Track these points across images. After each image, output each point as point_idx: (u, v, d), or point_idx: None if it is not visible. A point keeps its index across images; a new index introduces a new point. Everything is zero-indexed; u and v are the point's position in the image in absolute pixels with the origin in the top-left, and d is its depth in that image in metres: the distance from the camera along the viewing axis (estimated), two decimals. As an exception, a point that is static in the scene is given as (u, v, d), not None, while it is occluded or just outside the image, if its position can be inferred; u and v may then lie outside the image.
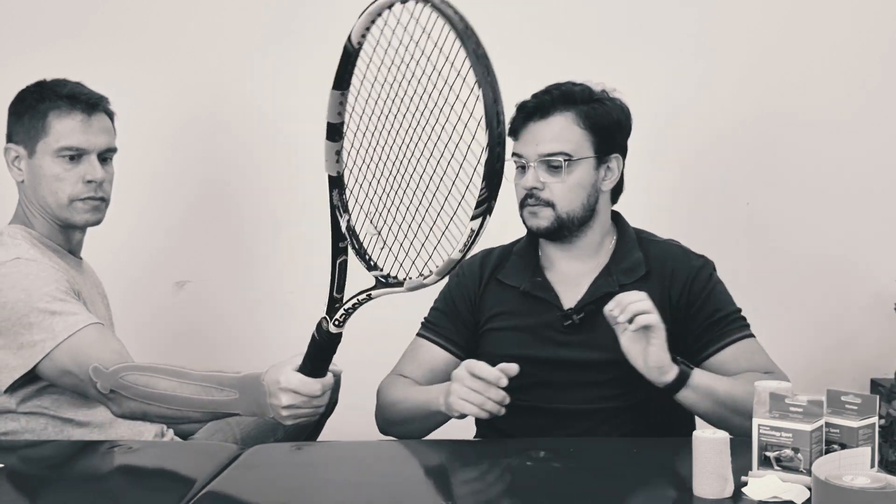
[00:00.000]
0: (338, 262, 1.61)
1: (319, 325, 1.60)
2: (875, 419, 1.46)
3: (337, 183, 1.60)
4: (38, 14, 2.84)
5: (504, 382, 1.66)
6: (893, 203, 2.78)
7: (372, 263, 1.57)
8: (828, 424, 1.45)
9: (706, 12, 2.77)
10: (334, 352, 1.62)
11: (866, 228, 2.78)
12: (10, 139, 1.99)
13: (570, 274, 1.96)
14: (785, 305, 2.80)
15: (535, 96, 1.92)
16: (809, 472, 1.34)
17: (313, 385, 1.61)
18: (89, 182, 1.95)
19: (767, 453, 1.44)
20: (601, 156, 1.92)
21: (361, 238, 1.59)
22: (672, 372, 1.71)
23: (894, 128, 2.77)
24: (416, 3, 1.38)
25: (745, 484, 1.42)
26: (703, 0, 2.78)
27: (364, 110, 1.53)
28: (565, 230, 1.91)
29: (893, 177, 2.78)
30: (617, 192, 2.00)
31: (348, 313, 1.57)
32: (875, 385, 2.70)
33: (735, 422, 1.71)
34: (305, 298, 2.85)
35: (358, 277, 1.62)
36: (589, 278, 1.94)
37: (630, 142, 2.68)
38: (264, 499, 1.52)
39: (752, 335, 1.93)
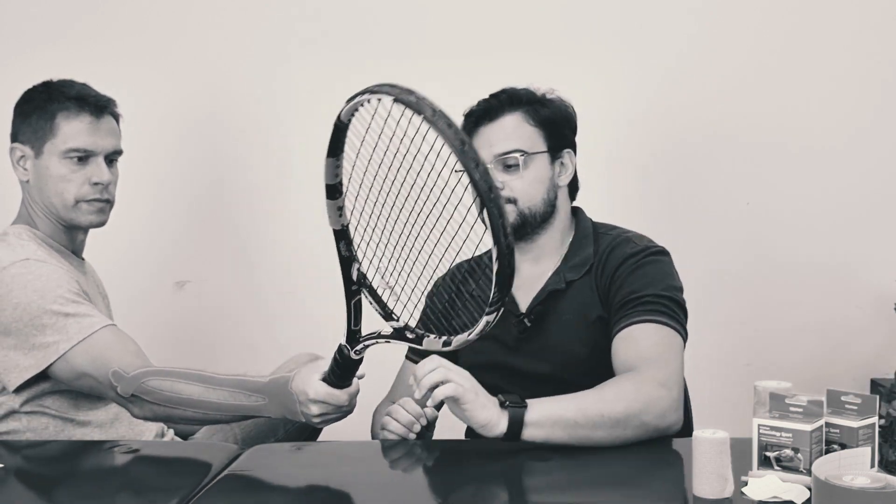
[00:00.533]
0: (352, 302, 1.64)
1: (340, 350, 1.62)
2: (875, 419, 1.46)
3: (343, 235, 1.65)
4: (39, 14, 2.84)
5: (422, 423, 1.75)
6: (893, 203, 2.78)
7: (388, 312, 1.61)
8: (828, 424, 1.45)
9: (706, 11, 2.77)
10: (357, 368, 1.65)
11: (866, 228, 2.78)
12: (15, 138, 1.99)
13: (530, 277, 1.95)
14: (785, 305, 2.80)
15: (481, 102, 1.95)
16: (809, 472, 1.34)
17: (340, 396, 1.64)
18: (96, 184, 1.96)
19: (767, 453, 1.44)
20: (554, 151, 1.94)
21: (375, 287, 1.64)
22: (502, 423, 1.58)
23: (894, 128, 2.77)
24: (392, 100, 1.43)
25: (745, 484, 1.42)
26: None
27: (363, 171, 1.61)
28: (528, 227, 1.92)
29: (893, 177, 2.78)
30: (574, 189, 2.01)
31: (366, 347, 1.61)
32: (875, 385, 2.70)
33: (599, 436, 1.61)
34: (305, 298, 2.87)
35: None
36: (544, 279, 1.95)
37: (630, 142, 2.69)
38: (264, 499, 1.52)
39: (656, 321, 1.78)
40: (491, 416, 1.58)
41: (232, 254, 2.89)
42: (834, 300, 2.80)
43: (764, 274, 2.80)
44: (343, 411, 1.67)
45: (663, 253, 1.93)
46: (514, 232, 1.91)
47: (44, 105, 1.96)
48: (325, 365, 1.65)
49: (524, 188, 1.90)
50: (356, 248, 1.63)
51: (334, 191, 1.65)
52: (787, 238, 2.79)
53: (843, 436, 1.44)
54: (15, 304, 1.82)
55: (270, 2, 2.82)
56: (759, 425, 1.45)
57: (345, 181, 1.62)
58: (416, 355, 2.01)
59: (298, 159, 2.86)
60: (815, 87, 2.77)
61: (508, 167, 1.90)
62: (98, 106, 1.97)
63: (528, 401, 1.61)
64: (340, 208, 1.64)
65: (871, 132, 2.77)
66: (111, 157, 2.00)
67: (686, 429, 2.05)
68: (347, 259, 1.63)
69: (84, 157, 1.96)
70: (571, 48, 2.76)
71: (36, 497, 1.62)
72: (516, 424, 1.58)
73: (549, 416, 1.60)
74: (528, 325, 1.91)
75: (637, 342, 1.77)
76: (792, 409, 1.45)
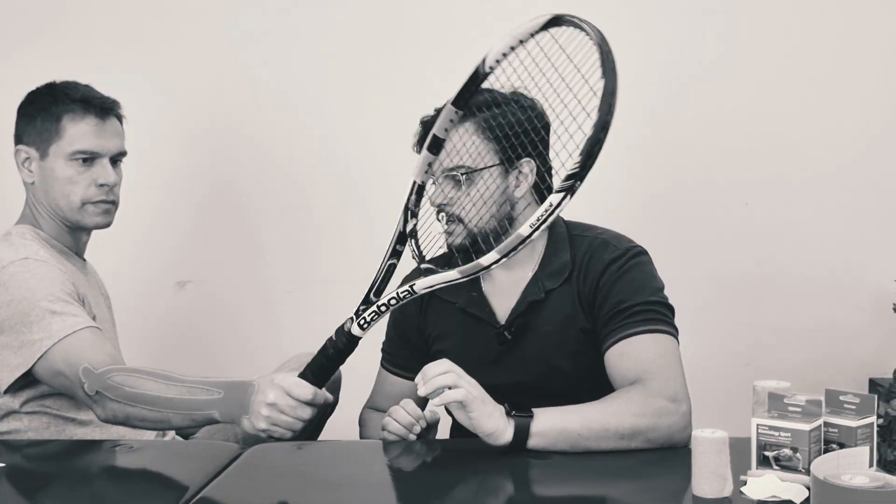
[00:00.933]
0: (387, 264, 1.67)
1: (340, 330, 1.61)
2: (873, 419, 1.46)
3: (419, 191, 1.72)
4: (42, 14, 2.84)
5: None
6: (893, 203, 2.79)
7: (423, 257, 1.68)
8: (826, 424, 1.46)
9: (708, 12, 2.78)
10: (342, 362, 1.64)
11: (866, 228, 2.79)
12: (19, 141, 2.00)
13: (506, 284, 1.90)
14: (784, 305, 2.81)
15: (436, 110, 1.85)
16: (808, 472, 1.35)
17: (306, 389, 1.62)
18: (101, 185, 1.96)
19: (766, 453, 1.44)
20: (509, 163, 1.82)
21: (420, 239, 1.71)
22: (508, 432, 1.59)
23: (894, 127, 2.78)
24: (568, 26, 1.59)
25: (744, 483, 1.42)
26: None
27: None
28: (482, 244, 1.78)
29: (893, 177, 2.78)
30: (543, 193, 1.81)
31: (380, 313, 1.61)
32: (873, 384, 2.70)
33: (603, 447, 1.62)
34: (305, 298, 2.87)
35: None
36: (521, 287, 1.88)
37: (630, 141, 2.69)
38: (264, 499, 1.52)
39: (652, 330, 1.76)
40: (498, 424, 1.59)
41: (233, 254, 2.89)
42: (833, 300, 2.80)
43: (763, 274, 2.80)
44: (297, 415, 1.62)
45: (643, 253, 1.87)
46: (467, 250, 1.81)
47: (48, 107, 1.97)
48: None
49: (468, 206, 1.80)
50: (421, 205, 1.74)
51: (437, 145, 1.76)
52: (786, 238, 2.80)
53: (842, 435, 1.44)
54: (9, 301, 1.82)
55: (275, 3, 2.82)
56: (757, 425, 1.45)
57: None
58: (387, 363, 2.02)
59: (300, 159, 2.87)
60: (814, 87, 2.77)
61: (456, 182, 1.81)
62: (103, 108, 1.98)
63: (534, 410, 1.62)
64: (431, 164, 1.74)
65: (870, 132, 2.77)
66: (116, 159, 2.01)
67: None
68: (409, 212, 1.73)
69: (90, 158, 1.97)
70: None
71: (36, 497, 1.62)
72: (522, 433, 1.59)
73: (555, 426, 1.61)
74: (509, 337, 1.86)
75: (636, 355, 1.74)
76: (791, 408, 1.46)
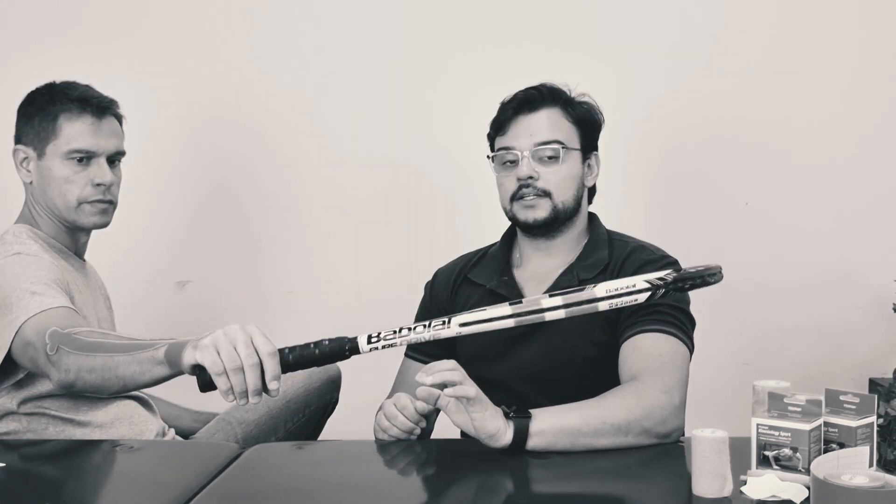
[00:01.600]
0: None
1: (345, 338, 1.53)
2: (873, 418, 1.46)
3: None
4: (42, 13, 2.84)
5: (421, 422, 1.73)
6: (892, 203, 2.79)
7: None
8: (826, 424, 1.46)
9: (710, 15, 2.78)
10: (318, 364, 1.54)
11: (865, 228, 2.79)
12: (18, 140, 2.00)
13: (540, 272, 1.96)
14: (784, 305, 2.81)
15: (522, 91, 1.95)
16: (808, 472, 1.35)
17: (269, 346, 1.46)
18: (98, 185, 1.96)
19: (766, 452, 1.44)
20: (585, 151, 1.96)
21: None
22: (507, 435, 1.59)
23: (893, 127, 2.78)
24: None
25: (744, 483, 1.42)
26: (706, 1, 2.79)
27: None
28: (558, 222, 1.92)
29: (893, 177, 2.79)
30: (591, 193, 2.03)
31: (397, 337, 1.54)
32: (873, 384, 2.70)
33: (602, 443, 1.63)
34: (306, 298, 2.87)
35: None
36: (555, 275, 1.94)
37: (630, 141, 2.69)
38: (264, 499, 1.52)
39: (666, 331, 1.80)
40: (499, 426, 1.59)
41: (233, 254, 2.89)
42: (833, 300, 2.81)
43: (763, 274, 2.80)
44: (243, 353, 1.43)
45: (677, 264, 1.93)
46: (545, 226, 1.93)
47: (46, 107, 1.97)
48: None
49: (559, 182, 1.91)
50: None
51: None
52: (786, 238, 2.80)
53: (842, 435, 1.45)
54: None
55: (276, 1, 2.82)
56: (757, 424, 1.45)
57: None
58: (412, 351, 2.00)
59: (301, 159, 2.87)
60: (814, 88, 2.77)
61: (545, 159, 1.91)
62: (100, 107, 1.98)
63: (531, 411, 1.62)
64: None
65: (870, 132, 2.78)
66: (113, 158, 2.01)
67: None
68: None
69: (86, 158, 1.96)
70: (573, 48, 2.76)
71: (36, 497, 1.61)
72: (521, 434, 1.60)
73: (553, 425, 1.62)
74: None
75: (645, 351, 1.78)
76: (790, 408, 1.46)
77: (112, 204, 2.01)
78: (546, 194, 1.91)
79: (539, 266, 1.97)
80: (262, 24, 2.83)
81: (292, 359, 1.52)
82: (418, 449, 1.74)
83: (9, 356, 1.79)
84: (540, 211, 1.91)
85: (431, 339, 1.55)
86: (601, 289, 1.53)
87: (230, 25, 2.84)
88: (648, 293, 1.53)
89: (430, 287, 2.06)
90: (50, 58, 2.64)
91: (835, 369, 2.77)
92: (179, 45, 2.84)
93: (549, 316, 1.54)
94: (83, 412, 1.91)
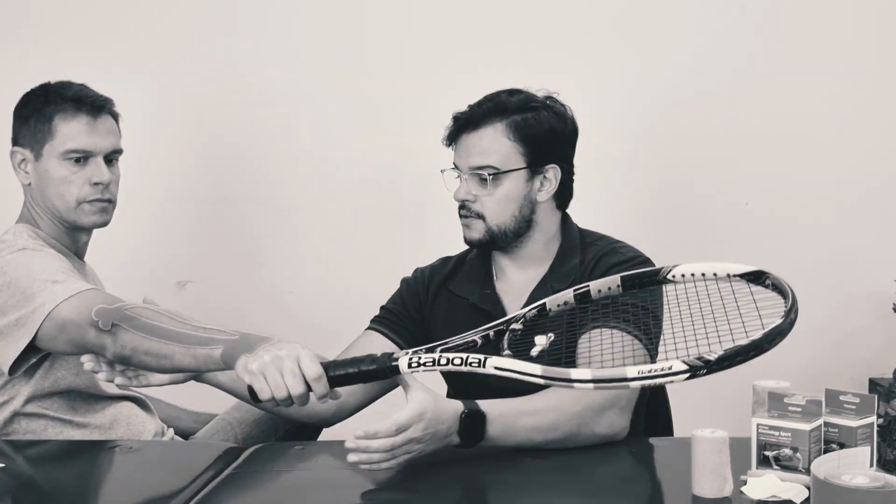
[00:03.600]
0: (471, 340, 1.60)
1: (387, 355, 1.53)
2: (873, 418, 1.46)
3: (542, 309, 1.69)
4: (39, 13, 2.84)
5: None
6: (892, 203, 2.79)
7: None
8: (826, 424, 1.46)
9: (708, 12, 2.78)
10: (366, 380, 1.56)
11: (865, 228, 2.79)
12: (15, 142, 2.00)
13: (518, 283, 1.93)
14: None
15: (469, 107, 1.90)
16: (808, 472, 1.35)
17: (316, 368, 1.50)
18: (96, 184, 1.96)
19: (766, 452, 1.44)
20: (535, 167, 1.88)
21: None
22: (452, 438, 1.58)
23: (893, 127, 2.78)
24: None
25: (744, 483, 1.42)
26: None
27: None
28: (499, 241, 1.89)
29: (892, 176, 2.79)
30: (565, 199, 1.95)
31: (436, 364, 1.51)
32: (873, 384, 2.70)
33: (559, 434, 1.63)
34: (307, 298, 2.87)
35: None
36: (531, 288, 1.91)
37: (630, 141, 2.68)
38: (264, 499, 1.52)
39: (625, 329, 1.75)
40: (443, 444, 1.58)
41: (233, 254, 2.89)
42: (833, 300, 2.81)
43: (763, 274, 2.80)
44: (289, 383, 1.49)
45: (648, 263, 1.87)
46: (483, 245, 1.91)
47: (41, 108, 1.96)
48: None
49: (492, 206, 1.87)
50: None
51: None
52: (785, 238, 2.80)
53: (842, 435, 1.45)
54: (8, 282, 1.81)
55: (275, 4, 2.82)
56: (757, 424, 1.45)
57: None
58: (376, 323, 1.98)
59: (302, 159, 2.87)
60: (814, 87, 2.77)
61: (482, 180, 1.86)
62: (95, 106, 1.97)
63: (482, 407, 1.60)
64: None
65: (870, 132, 2.78)
66: (111, 157, 2.00)
67: (666, 428, 2.06)
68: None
69: (83, 157, 1.96)
70: (570, 45, 2.76)
71: (36, 497, 1.62)
72: (474, 418, 1.58)
73: (510, 408, 1.61)
74: (518, 336, 1.85)
75: (599, 346, 1.74)
76: (791, 408, 1.46)
77: (111, 202, 2.00)
78: (480, 216, 1.88)
79: (515, 278, 1.94)
80: (264, 24, 2.83)
81: (335, 378, 1.53)
82: (418, 449, 1.73)
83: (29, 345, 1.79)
84: (474, 232, 1.89)
85: (468, 371, 1.50)
86: (633, 370, 1.41)
87: (232, 26, 2.84)
88: (686, 374, 1.38)
89: (408, 284, 2.02)
90: (48, 60, 2.63)
91: (835, 369, 2.77)
92: (181, 46, 2.83)
93: (576, 386, 1.44)
94: (81, 413, 1.91)
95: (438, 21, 2.81)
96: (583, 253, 1.91)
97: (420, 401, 1.54)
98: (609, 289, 1.68)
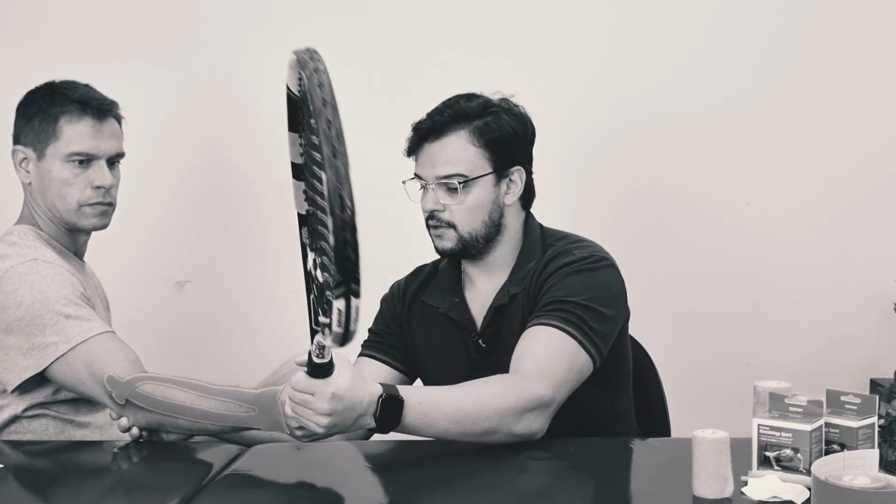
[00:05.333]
0: (311, 297, 1.56)
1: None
2: (874, 419, 1.46)
3: (305, 221, 1.60)
4: (41, 13, 2.84)
5: None
6: (893, 203, 2.79)
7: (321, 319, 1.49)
8: (827, 424, 1.46)
9: (707, 12, 2.77)
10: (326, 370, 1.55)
11: (866, 229, 2.78)
12: (17, 141, 1.99)
13: (485, 291, 1.93)
14: (785, 305, 2.80)
15: (429, 116, 1.88)
16: (809, 472, 1.35)
17: (321, 388, 1.53)
18: (98, 188, 1.96)
19: (767, 453, 1.44)
20: (501, 171, 1.87)
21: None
22: (367, 420, 1.58)
23: (893, 126, 2.77)
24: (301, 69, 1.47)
25: (745, 484, 1.42)
26: None
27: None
28: (472, 249, 1.88)
29: (893, 176, 2.78)
30: (529, 199, 1.94)
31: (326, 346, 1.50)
32: (874, 385, 2.70)
33: (479, 426, 1.62)
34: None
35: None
36: (493, 295, 1.91)
37: (630, 141, 2.68)
38: (264, 499, 1.52)
39: (565, 330, 1.74)
40: (366, 422, 1.57)
41: (232, 254, 2.89)
42: (834, 300, 2.80)
43: (763, 274, 2.80)
44: (314, 407, 1.53)
45: (604, 263, 1.86)
46: (456, 255, 1.89)
47: (46, 108, 1.96)
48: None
49: (463, 214, 1.85)
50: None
51: (299, 171, 1.60)
52: (786, 238, 2.79)
53: (843, 436, 1.44)
54: (19, 302, 1.82)
55: (273, 2, 2.82)
56: (758, 425, 1.45)
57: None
58: (369, 350, 1.99)
59: (298, 159, 2.87)
60: (814, 86, 2.76)
61: (451, 189, 1.85)
62: (101, 109, 1.97)
63: (401, 392, 1.59)
64: (305, 191, 1.59)
65: (871, 131, 2.77)
66: (113, 160, 2.00)
67: (663, 428, 2.06)
68: (307, 247, 1.59)
69: (86, 160, 1.96)
70: (559, 42, 2.76)
71: (36, 497, 1.62)
72: (392, 403, 1.57)
73: (429, 396, 1.62)
74: (483, 345, 1.88)
75: (536, 344, 1.74)
76: (791, 408, 1.46)
77: (111, 206, 2.00)
78: (451, 226, 1.86)
79: (483, 285, 1.94)
80: (267, 26, 2.83)
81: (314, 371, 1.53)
82: (419, 449, 1.73)
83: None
84: (446, 242, 1.88)
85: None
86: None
87: (235, 29, 2.83)
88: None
89: (386, 301, 2.03)
90: (49, 59, 2.63)
91: (835, 369, 2.76)
92: (180, 45, 2.83)
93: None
94: (83, 413, 1.92)
95: (424, 28, 2.80)
96: (542, 254, 1.90)
97: (333, 378, 1.51)
98: None
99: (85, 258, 2.09)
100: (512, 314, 1.87)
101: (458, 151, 1.85)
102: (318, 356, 1.51)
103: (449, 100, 1.90)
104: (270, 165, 2.87)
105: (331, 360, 1.51)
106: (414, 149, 1.90)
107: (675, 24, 2.78)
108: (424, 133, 1.87)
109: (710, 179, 2.80)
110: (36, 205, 1.99)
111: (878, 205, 2.78)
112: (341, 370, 1.53)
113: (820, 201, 2.79)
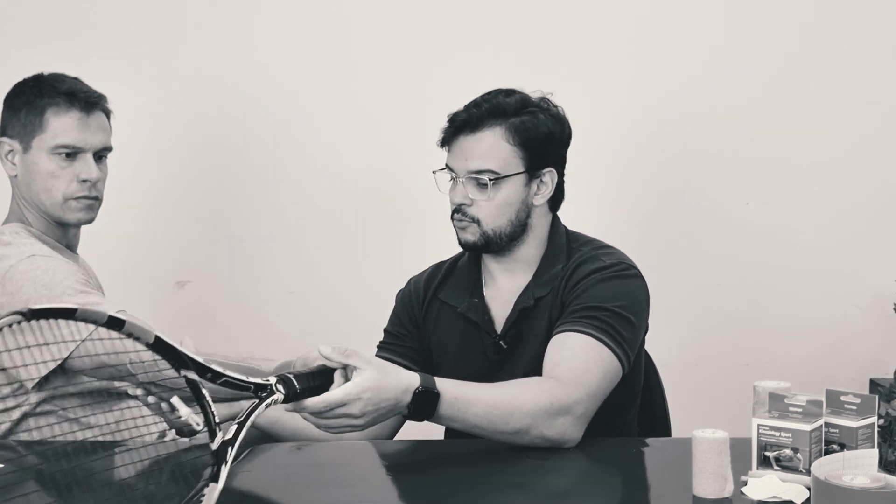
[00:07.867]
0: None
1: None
2: (874, 419, 1.46)
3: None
4: (35, 8, 2.83)
5: None
6: (892, 203, 2.79)
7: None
8: (827, 424, 1.46)
9: (706, 11, 2.78)
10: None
11: (866, 228, 2.79)
12: (4, 133, 1.98)
13: (506, 290, 1.90)
14: (785, 305, 2.80)
15: (466, 108, 1.85)
16: (809, 472, 1.35)
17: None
18: (84, 181, 1.94)
19: (767, 453, 1.44)
20: (533, 171, 1.85)
21: None
22: (401, 410, 1.57)
23: (894, 127, 2.78)
24: None
25: (745, 484, 1.42)
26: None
27: None
28: (493, 245, 1.85)
29: (893, 177, 2.79)
30: (557, 201, 1.92)
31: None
32: (874, 385, 2.70)
33: (512, 425, 1.61)
34: (306, 299, 2.87)
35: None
36: (517, 295, 1.89)
37: (630, 142, 2.67)
38: (264, 499, 1.52)
39: (596, 336, 1.74)
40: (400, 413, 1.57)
41: (232, 254, 2.89)
42: (833, 300, 2.80)
43: (763, 274, 2.80)
44: (356, 415, 1.52)
45: (632, 272, 1.85)
46: (477, 249, 1.87)
47: (33, 100, 1.95)
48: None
49: (489, 210, 1.83)
50: None
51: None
52: (786, 238, 2.80)
53: (843, 436, 1.45)
54: (25, 300, 1.81)
55: (275, 4, 2.82)
56: (758, 425, 1.45)
57: None
58: (385, 352, 1.96)
59: (300, 159, 2.87)
60: (815, 87, 2.77)
61: (480, 185, 1.82)
62: (88, 102, 1.96)
63: (438, 386, 1.58)
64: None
65: (871, 131, 2.77)
66: (100, 154, 1.99)
67: (664, 428, 2.06)
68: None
69: (73, 153, 1.94)
70: (569, 44, 2.76)
71: (36, 497, 1.61)
72: (427, 395, 1.56)
73: (466, 391, 1.60)
74: (504, 346, 1.86)
75: (569, 350, 1.73)
76: (791, 408, 1.46)
77: (97, 200, 1.98)
78: (475, 221, 1.84)
79: (504, 284, 1.91)
80: (267, 25, 2.83)
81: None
82: (419, 449, 1.74)
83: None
84: (469, 235, 1.85)
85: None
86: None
87: (231, 26, 2.83)
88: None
89: (401, 299, 2.00)
90: (42, 53, 2.60)
91: (835, 369, 2.77)
92: (180, 44, 2.83)
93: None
94: (90, 413, 1.91)
95: (432, 21, 2.80)
96: (568, 257, 1.88)
97: (358, 383, 1.51)
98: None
99: (84, 257, 2.09)
100: (537, 317, 1.85)
101: (492, 147, 1.82)
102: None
103: (488, 94, 1.87)
104: (271, 166, 2.87)
105: (316, 384, 1.51)
106: (448, 140, 1.86)
107: (699, 26, 2.78)
108: (460, 125, 1.84)
109: (710, 180, 2.80)
110: (23, 199, 1.97)
111: (878, 205, 2.79)
112: (365, 371, 1.52)
113: (820, 201, 2.79)
